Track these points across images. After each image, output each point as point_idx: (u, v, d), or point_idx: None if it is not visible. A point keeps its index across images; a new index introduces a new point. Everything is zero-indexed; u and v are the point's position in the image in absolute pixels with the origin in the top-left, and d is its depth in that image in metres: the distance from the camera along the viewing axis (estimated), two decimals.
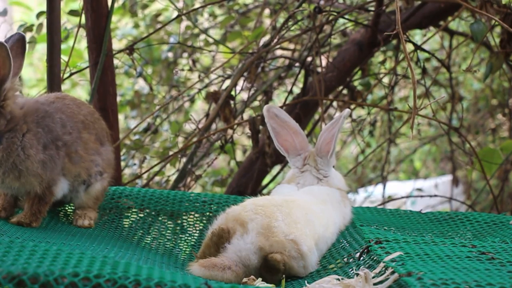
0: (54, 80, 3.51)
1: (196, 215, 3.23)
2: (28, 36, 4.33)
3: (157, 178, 4.99)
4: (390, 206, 6.06)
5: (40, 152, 2.71)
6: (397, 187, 7.84)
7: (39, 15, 4.26)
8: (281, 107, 4.19)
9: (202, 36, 5.37)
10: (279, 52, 5.18)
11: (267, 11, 5.53)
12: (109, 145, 3.05)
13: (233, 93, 4.32)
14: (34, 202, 2.77)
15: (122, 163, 4.82)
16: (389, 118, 5.82)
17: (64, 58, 3.69)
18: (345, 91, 4.72)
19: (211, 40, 5.26)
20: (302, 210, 2.71)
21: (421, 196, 5.07)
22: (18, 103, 2.73)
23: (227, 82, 4.87)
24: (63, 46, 3.55)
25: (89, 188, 2.93)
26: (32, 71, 9.64)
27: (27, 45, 2.77)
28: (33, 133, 2.72)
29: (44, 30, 4.23)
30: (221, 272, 2.45)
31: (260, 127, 4.13)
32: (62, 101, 2.91)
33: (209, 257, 2.52)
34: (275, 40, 4.45)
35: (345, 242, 2.80)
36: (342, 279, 2.24)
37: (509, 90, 6.19)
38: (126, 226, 3.13)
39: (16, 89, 2.73)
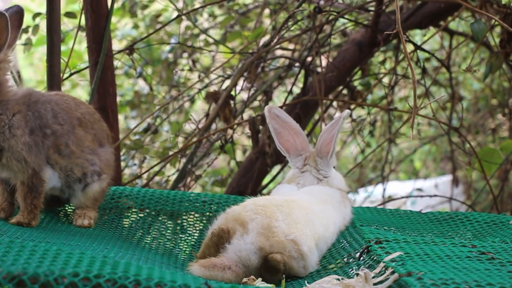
0: (54, 80, 3.51)
1: (196, 215, 3.23)
2: (23, 38, 4.32)
3: (157, 178, 4.99)
4: (390, 206, 6.06)
5: (26, 135, 2.71)
6: (397, 187, 7.84)
7: (35, 16, 4.25)
8: (281, 107, 4.19)
9: (202, 36, 5.37)
10: (279, 52, 5.18)
11: (267, 11, 5.53)
12: (109, 147, 3.04)
13: (233, 93, 4.32)
14: (27, 195, 2.75)
15: (122, 163, 4.82)
16: (389, 118, 5.82)
17: (64, 59, 3.70)
18: (345, 91, 4.72)
19: (211, 40, 5.26)
20: (303, 210, 2.71)
21: (421, 196, 5.07)
22: (9, 81, 2.74)
23: (227, 82, 4.87)
24: (62, 48, 3.55)
25: (87, 188, 2.93)
26: (32, 71, 9.64)
27: (24, 19, 2.77)
28: (22, 115, 2.72)
29: (40, 31, 4.24)
30: (221, 272, 2.45)
31: (260, 127, 4.13)
32: (61, 97, 2.93)
33: (209, 257, 2.52)
34: (275, 40, 4.45)
35: (345, 242, 2.80)
36: (342, 279, 2.24)
37: (509, 90, 6.19)
38: (126, 226, 3.13)
39: (8, 61, 2.74)
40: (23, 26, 4.26)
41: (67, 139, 2.83)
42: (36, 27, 4.27)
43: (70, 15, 4.11)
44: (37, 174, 2.76)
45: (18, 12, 2.75)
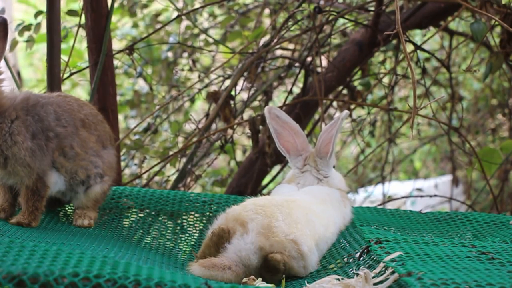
0: (54, 80, 3.51)
1: (196, 215, 3.23)
2: (26, 35, 4.33)
3: (157, 178, 4.99)
4: (390, 206, 6.06)
5: (28, 140, 2.70)
6: (397, 187, 7.84)
7: (37, 14, 4.25)
8: (281, 107, 4.20)
9: (202, 36, 5.37)
10: (279, 52, 5.18)
11: (267, 11, 5.53)
12: (112, 149, 3.04)
13: (233, 93, 4.32)
14: (29, 197, 2.75)
15: (122, 163, 4.82)
16: (389, 118, 5.82)
17: (64, 58, 3.69)
18: (345, 91, 4.72)
19: (211, 40, 5.27)
20: (303, 210, 2.71)
21: (421, 196, 5.07)
22: (5, 90, 2.72)
23: (227, 82, 4.87)
24: (63, 46, 3.55)
25: (89, 190, 2.93)
26: (32, 71, 9.65)
27: (9, 29, 2.75)
28: (21, 120, 2.71)
29: (42, 29, 4.23)
30: (221, 272, 2.45)
31: (260, 127, 4.13)
32: (64, 98, 2.91)
33: (209, 257, 2.52)
34: (275, 40, 4.45)
35: (345, 242, 2.80)
36: (342, 279, 2.24)
37: (509, 90, 6.19)
38: (126, 226, 3.13)
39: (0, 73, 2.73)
40: (18, 22, 4.29)
41: (71, 141, 2.82)
42: (38, 25, 4.27)
43: (72, 13, 4.11)
44: (42, 179, 2.76)
45: (1, 24, 2.72)
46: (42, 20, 4.21)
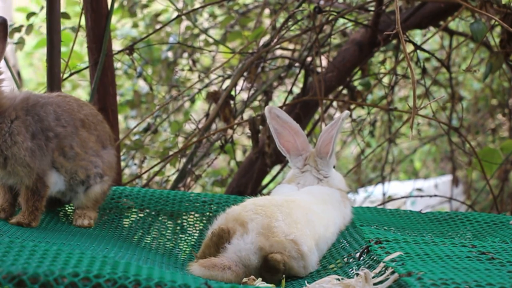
0: (54, 80, 3.51)
1: (196, 215, 3.23)
2: (16, 36, 4.32)
3: (157, 178, 4.99)
4: (390, 206, 6.06)
5: (27, 140, 2.70)
6: (397, 187, 7.84)
7: (29, 16, 4.24)
8: (281, 107, 4.19)
9: (202, 36, 5.37)
10: (279, 52, 5.18)
11: (267, 11, 5.53)
12: (112, 149, 3.04)
13: (233, 93, 4.32)
14: (29, 197, 2.75)
15: (122, 163, 4.82)
16: (389, 118, 5.82)
17: (64, 59, 3.69)
18: (345, 91, 4.72)
19: (211, 40, 5.27)
20: (303, 210, 2.71)
21: (421, 196, 5.07)
22: (5, 90, 2.72)
23: (227, 82, 4.87)
24: (63, 49, 3.55)
25: (89, 190, 2.93)
26: (32, 71, 9.65)
27: (8, 30, 2.74)
28: (21, 120, 2.71)
29: (37, 32, 4.22)
30: (221, 272, 2.45)
31: (260, 127, 4.13)
32: (64, 98, 2.91)
33: (209, 257, 2.52)
34: (275, 40, 4.45)
35: (345, 242, 2.80)
36: (342, 279, 2.25)
37: (509, 90, 6.19)
38: (126, 226, 3.13)
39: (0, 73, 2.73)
40: (17, 25, 4.28)
41: (71, 141, 2.82)
42: (29, 27, 4.26)
43: (64, 15, 4.10)
44: (41, 179, 2.76)
45: (1, 24, 2.72)
46: (34, 21, 4.20)
